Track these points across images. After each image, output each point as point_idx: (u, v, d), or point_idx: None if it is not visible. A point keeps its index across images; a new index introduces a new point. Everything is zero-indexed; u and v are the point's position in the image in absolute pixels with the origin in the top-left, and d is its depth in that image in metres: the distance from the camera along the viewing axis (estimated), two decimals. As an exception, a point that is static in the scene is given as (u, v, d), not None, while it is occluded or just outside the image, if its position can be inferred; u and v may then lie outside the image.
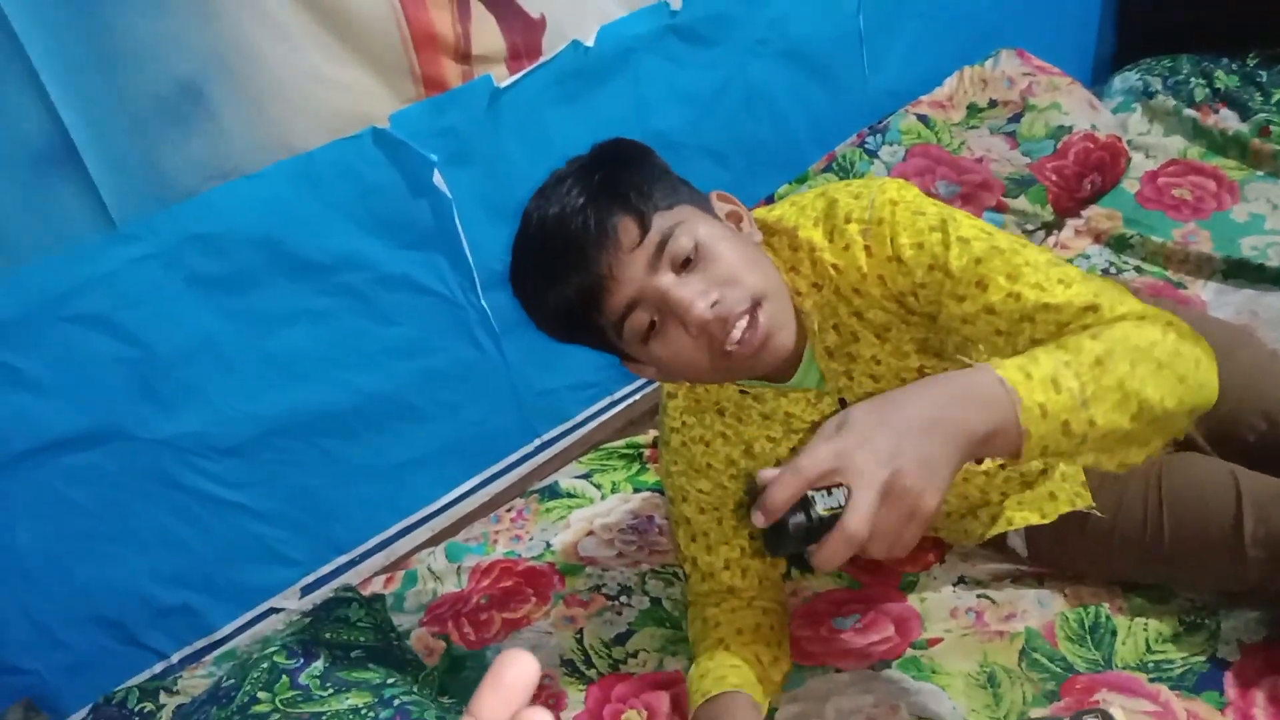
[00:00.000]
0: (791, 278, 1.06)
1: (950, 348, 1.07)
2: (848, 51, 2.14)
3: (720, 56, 1.90)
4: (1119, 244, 2.00)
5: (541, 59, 1.64)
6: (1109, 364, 0.82)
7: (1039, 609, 1.27)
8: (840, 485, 0.77)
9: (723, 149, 1.98)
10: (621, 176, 0.99)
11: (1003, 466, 1.18)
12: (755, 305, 0.98)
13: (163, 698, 1.41)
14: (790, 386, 1.12)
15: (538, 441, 1.90)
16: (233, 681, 1.28)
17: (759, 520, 0.77)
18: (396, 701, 1.22)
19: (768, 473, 0.78)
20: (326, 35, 1.39)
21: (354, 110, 1.46)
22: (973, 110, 2.25)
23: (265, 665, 1.29)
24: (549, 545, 1.61)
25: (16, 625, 1.45)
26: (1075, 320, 0.92)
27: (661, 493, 1.58)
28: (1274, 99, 2.23)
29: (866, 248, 1.01)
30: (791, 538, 0.77)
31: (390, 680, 1.30)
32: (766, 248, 1.07)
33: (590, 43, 1.69)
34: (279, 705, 1.22)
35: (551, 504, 1.71)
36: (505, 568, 1.58)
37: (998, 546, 1.32)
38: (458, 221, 1.62)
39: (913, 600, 1.34)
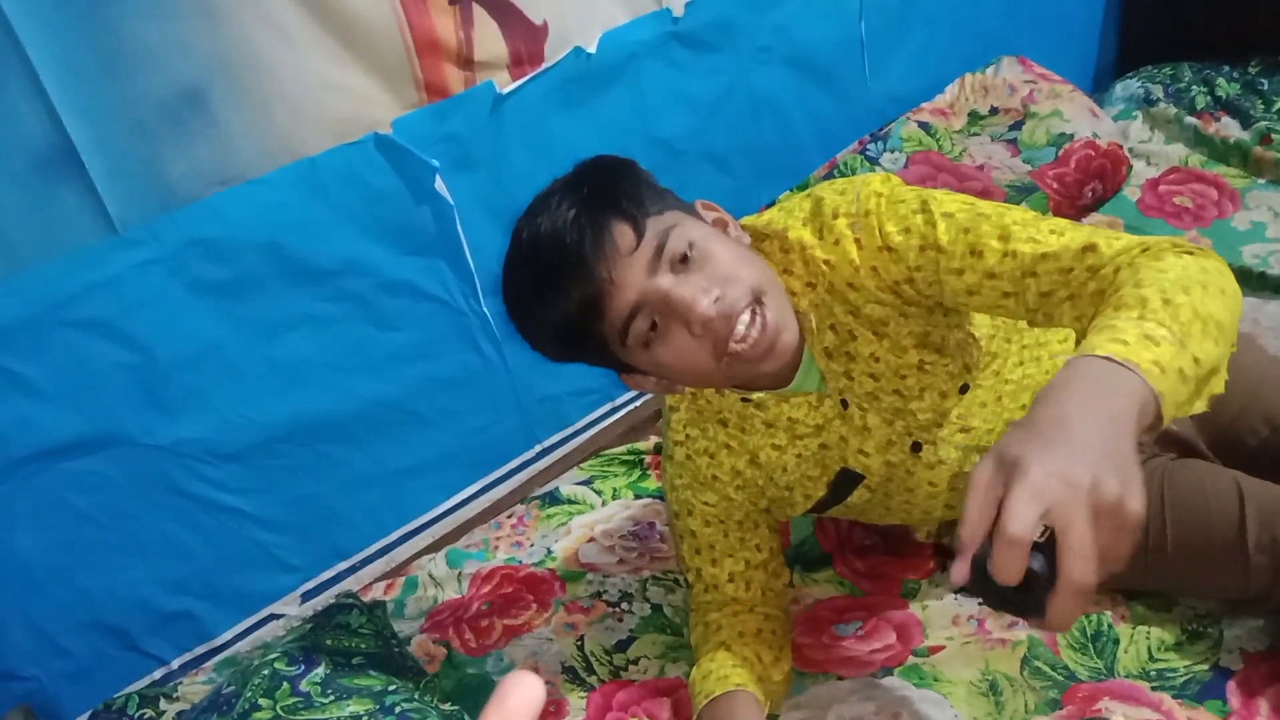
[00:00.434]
0: (786, 279, 1.06)
1: (951, 343, 1.07)
2: (850, 58, 2.14)
3: (723, 63, 1.91)
4: (1120, 251, 2.00)
5: (544, 65, 1.64)
6: (1174, 301, 0.80)
7: (1041, 617, 1.26)
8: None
9: (725, 155, 1.98)
10: (609, 187, 1.00)
11: None
12: (757, 300, 0.98)
13: (163, 704, 1.41)
14: (791, 391, 1.12)
15: (539, 448, 1.90)
16: (233, 688, 1.28)
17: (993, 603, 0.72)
18: (398, 709, 1.22)
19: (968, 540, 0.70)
20: (330, 41, 1.39)
21: (357, 116, 1.47)
22: (974, 117, 2.25)
23: (266, 672, 1.29)
24: (550, 552, 1.60)
25: (16, 631, 1.45)
26: (1076, 263, 0.92)
27: (662, 499, 1.57)
28: (1275, 107, 2.23)
29: (857, 240, 1.02)
30: (1028, 597, 0.69)
31: (391, 687, 1.30)
32: (757, 251, 1.08)
33: (593, 49, 1.69)
34: (280, 712, 1.22)
35: (552, 510, 1.71)
36: (506, 574, 1.57)
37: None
38: (460, 227, 1.62)
39: (914, 607, 1.34)
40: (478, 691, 1.37)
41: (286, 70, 1.37)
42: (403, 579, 1.62)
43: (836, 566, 1.45)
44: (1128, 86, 2.41)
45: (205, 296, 1.42)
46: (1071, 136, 2.17)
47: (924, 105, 2.24)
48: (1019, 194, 2.08)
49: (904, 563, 1.41)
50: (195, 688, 1.44)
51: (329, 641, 1.41)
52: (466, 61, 1.54)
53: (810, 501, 1.22)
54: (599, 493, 1.72)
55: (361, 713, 1.21)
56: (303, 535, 1.66)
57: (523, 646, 1.43)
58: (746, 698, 1.13)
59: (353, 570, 1.74)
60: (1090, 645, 1.22)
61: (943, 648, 1.26)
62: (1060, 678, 1.18)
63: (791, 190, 2.10)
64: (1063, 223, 0.97)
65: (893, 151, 2.13)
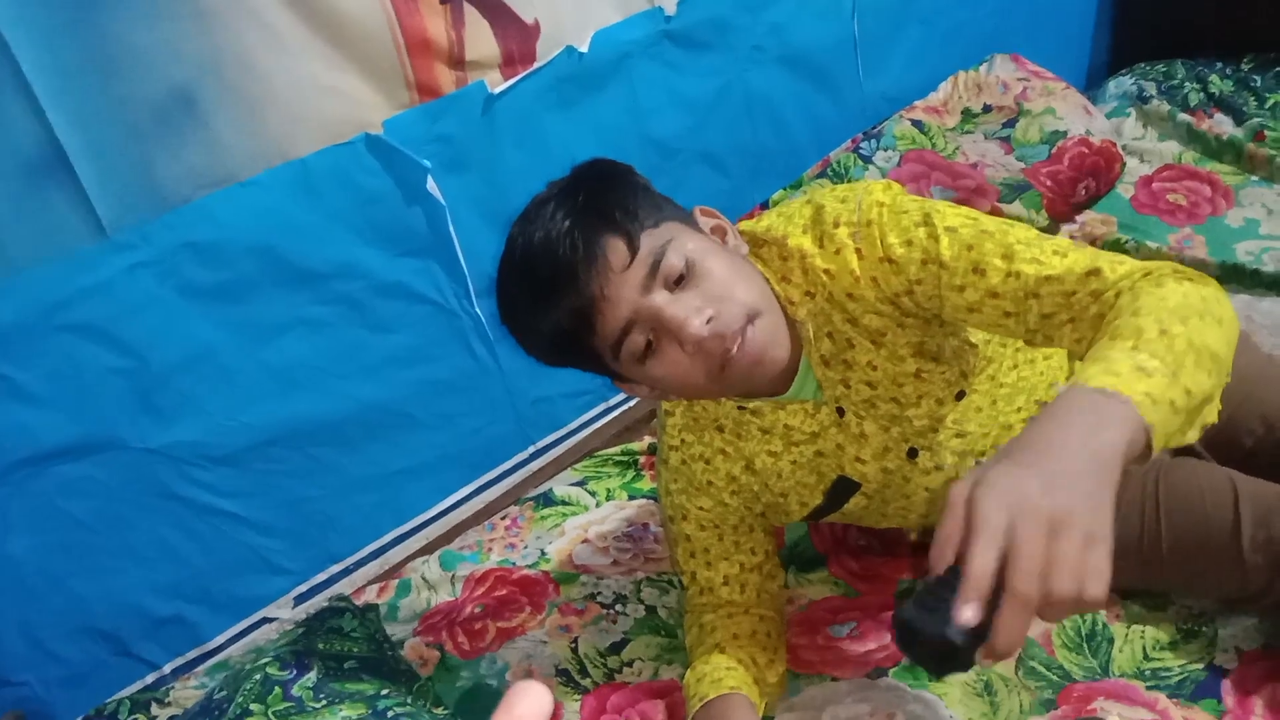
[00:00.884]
0: (784, 287, 1.05)
1: (948, 351, 1.07)
2: (843, 57, 2.14)
3: (716, 62, 1.90)
4: (1114, 249, 1.99)
5: (536, 65, 1.63)
6: (1170, 331, 0.80)
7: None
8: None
9: (719, 155, 1.98)
10: (605, 196, 0.98)
11: None
12: (750, 320, 0.97)
13: (154, 709, 1.40)
14: (787, 398, 1.12)
15: (532, 449, 1.90)
16: (225, 693, 1.28)
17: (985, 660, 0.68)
18: (390, 713, 1.22)
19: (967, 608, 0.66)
20: (320, 41, 1.39)
21: (348, 116, 1.46)
22: (967, 115, 2.25)
23: (258, 677, 1.29)
24: (543, 553, 1.60)
25: (9, 636, 1.44)
26: (1080, 287, 0.91)
27: (656, 500, 1.57)
28: (1268, 104, 2.23)
29: (858, 250, 1.01)
30: (958, 649, 0.66)
31: (384, 691, 1.30)
32: (755, 259, 1.07)
33: (585, 49, 1.68)
34: (271, 717, 1.21)
35: (546, 512, 1.70)
36: (499, 576, 1.57)
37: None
38: (452, 228, 1.61)
39: (909, 608, 1.34)
40: (470, 695, 1.37)
41: (277, 71, 1.37)
42: (396, 581, 1.61)
43: (831, 567, 1.44)
44: (1121, 84, 2.41)
45: (197, 300, 1.42)
46: (1065, 134, 2.17)
47: (917, 103, 2.24)
48: (1012, 192, 2.08)
49: (898, 563, 1.41)
50: (187, 692, 1.44)
51: (321, 645, 1.40)
52: (458, 61, 1.54)
53: (806, 509, 1.21)
54: (593, 494, 1.72)
55: (354, 717, 1.21)
56: (295, 538, 1.66)
57: (516, 649, 1.42)
58: (740, 700, 1.12)
59: (346, 573, 1.73)
60: (1085, 645, 1.22)
61: (938, 648, 1.26)
62: (1055, 678, 1.18)
63: (786, 188, 2.10)
64: (1065, 243, 0.96)
65: (886, 150, 2.13)
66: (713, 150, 1.96)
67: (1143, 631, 1.21)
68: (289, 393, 1.55)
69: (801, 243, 1.04)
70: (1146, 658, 1.18)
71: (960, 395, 1.10)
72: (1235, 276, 1.83)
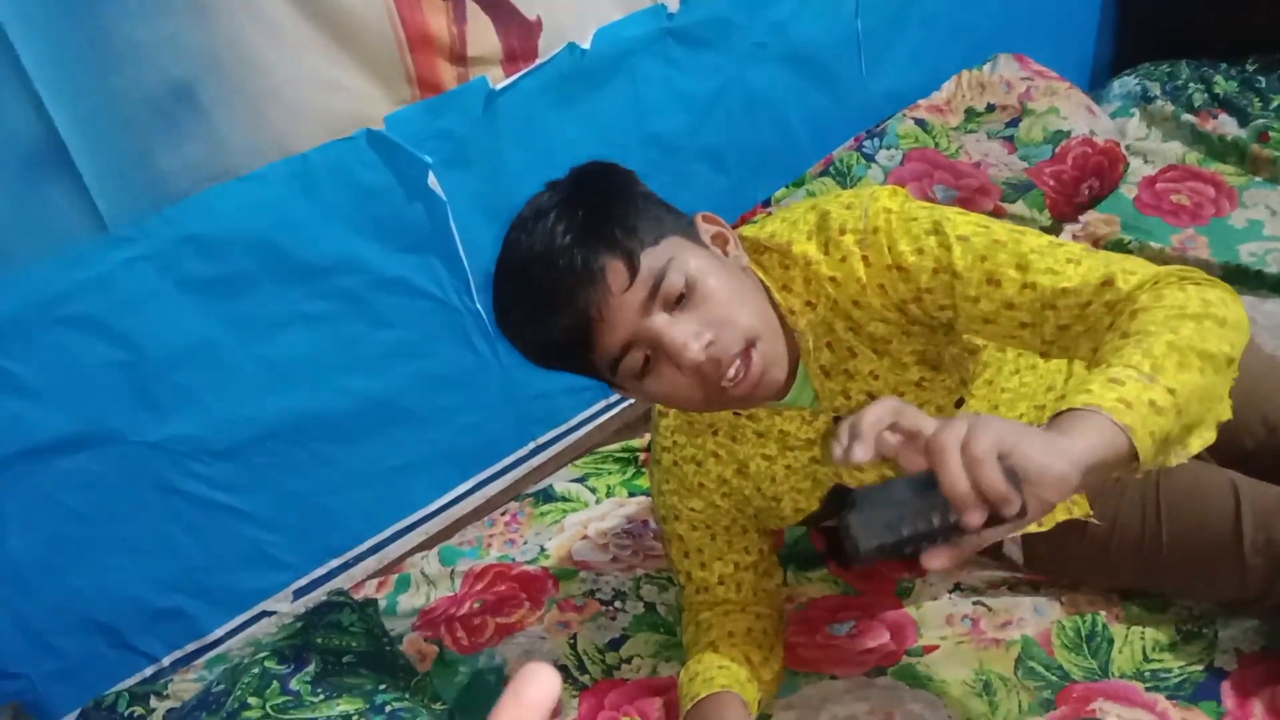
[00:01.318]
0: (784, 296, 1.04)
1: (948, 359, 1.07)
2: (846, 55, 2.14)
3: (718, 60, 1.90)
4: (1117, 250, 2.00)
5: (538, 61, 1.63)
6: (1150, 341, 0.81)
7: (1035, 617, 1.26)
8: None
9: (721, 152, 1.98)
10: (606, 211, 0.96)
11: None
12: (750, 345, 0.97)
13: (153, 702, 1.40)
14: (784, 405, 1.11)
15: (532, 445, 1.90)
16: (223, 687, 1.28)
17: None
18: (388, 708, 1.22)
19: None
20: (321, 37, 1.39)
21: (349, 112, 1.46)
22: (970, 114, 2.25)
23: (256, 670, 1.29)
24: (543, 549, 1.60)
25: (6, 629, 1.44)
26: (1095, 298, 0.91)
27: (654, 507, 1.57)
28: (1273, 105, 2.23)
29: (864, 258, 1.00)
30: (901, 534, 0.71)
31: (382, 686, 1.29)
32: (756, 267, 1.06)
33: (587, 45, 1.68)
34: (269, 711, 1.21)
35: (546, 508, 1.70)
36: (499, 572, 1.57)
37: (994, 554, 1.31)
38: (453, 224, 1.61)
39: (908, 607, 1.33)
40: (468, 690, 1.37)
41: (278, 66, 1.36)
42: (395, 576, 1.61)
43: (830, 565, 1.44)
44: (1125, 84, 2.40)
45: (196, 294, 1.42)
46: (1068, 134, 2.17)
47: (920, 102, 2.24)
48: (1015, 191, 2.07)
49: (898, 562, 1.40)
50: (185, 685, 1.44)
51: (319, 640, 1.40)
52: (460, 57, 1.54)
53: (801, 514, 1.21)
54: (593, 490, 1.72)
55: (352, 712, 1.21)
56: (295, 532, 1.66)
57: (515, 645, 1.42)
58: (731, 699, 1.12)
59: (345, 567, 1.73)
60: (1084, 645, 1.21)
61: (936, 647, 1.26)
62: (1054, 678, 1.18)
63: (788, 187, 2.09)
64: (1077, 249, 0.95)
65: (889, 148, 2.13)
66: (714, 148, 1.96)
67: (1142, 633, 1.20)
68: (288, 387, 1.55)
69: (806, 250, 1.03)
70: (1146, 659, 1.18)
71: (960, 403, 1.10)
72: (1238, 278, 1.83)
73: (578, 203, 0.97)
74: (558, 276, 0.94)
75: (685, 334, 0.94)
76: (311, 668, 1.31)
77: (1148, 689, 1.14)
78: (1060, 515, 1.19)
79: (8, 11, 1.16)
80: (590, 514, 1.67)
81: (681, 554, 1.26)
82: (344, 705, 1.21)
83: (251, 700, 1.23)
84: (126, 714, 1.38)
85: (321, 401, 1.59)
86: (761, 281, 1.04)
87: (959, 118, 2.24)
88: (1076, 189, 2.11)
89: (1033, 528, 1.21)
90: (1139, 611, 1.23)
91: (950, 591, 1.33)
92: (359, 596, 1.55)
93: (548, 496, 1.72)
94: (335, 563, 1.72)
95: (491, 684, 1.36)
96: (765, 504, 1.21)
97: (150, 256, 1.37)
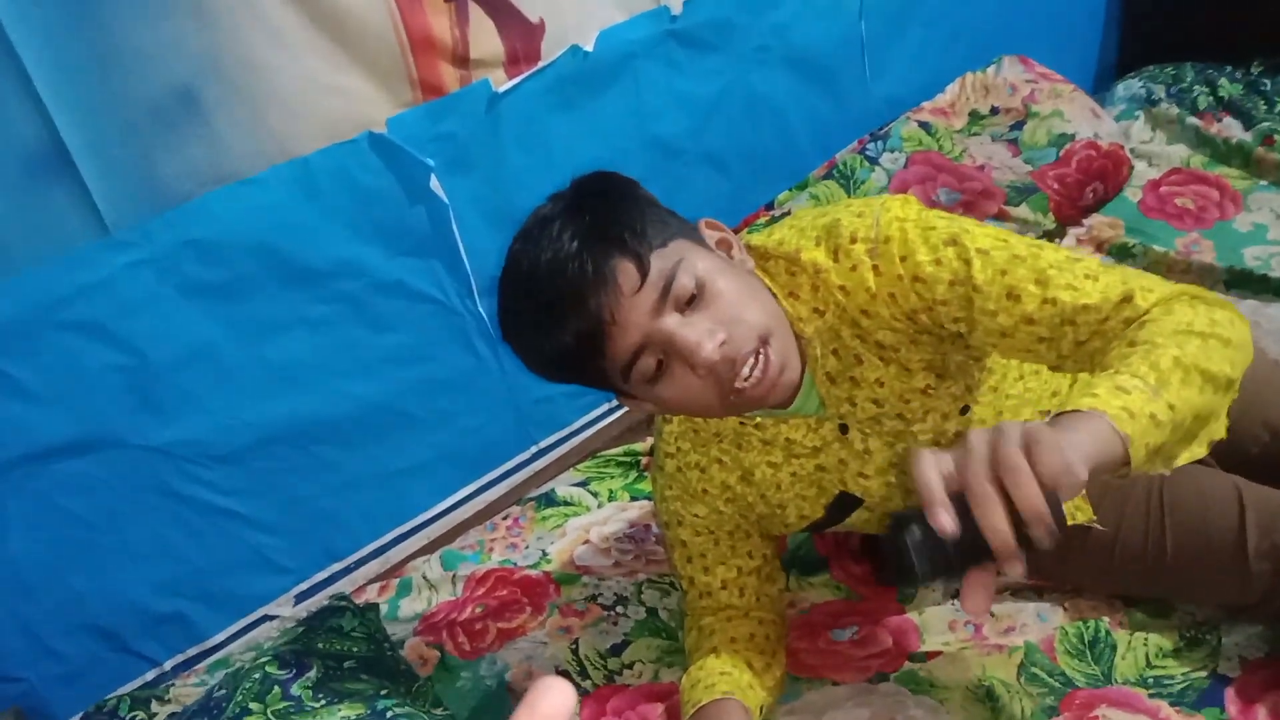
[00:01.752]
0: (791, 303, 1.04)
1: (952, 366, 1.06)
2: (849, 58, 2.13)
3: (721, 63, 1.90)
4: (1121, 253, 1.99)
5: (540, 64, 1.63)
6: (1157, 354, 0.82)
7: (1038, 623, 1.25)
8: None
9: (723, 155, 1.97)
10: (613, 215, 0.96)
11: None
12: (763, 341, 0.96)
13: (154, 706, 1.40)
14: (790, 413, 1.10)
15: (534, 449, 1.89)
16: (224, 692, 1.27)
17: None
18: (389, 714, 1.22)
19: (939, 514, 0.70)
20: (323, 40, 1.38)
21: (350, 115, 1.45)
22: (975, 117, 2.24)
23: (257, 675, 1.29)
24: (545, 554, 1.59)
25: (8, 633, 1.44)
26: (1114, 314, 0.91)
27: (656, 512, 1.56)
28: (1278, 108, 2.22)
29: (874, 267, 0.99)
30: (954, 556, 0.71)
31: (383, 692, 1.29)
32: (762, 273, 1.05)
33: (590, 48, 1.68)
34: (271, 716, 1.21)
35: (548, 512, 1.70)
36: (501, 576, 1.56)
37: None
38: (455, 227, 1.61)
39: (911, 613, 1.33)
40: (469, 695, 1.36)
41: (279, 69, 1.36)
42: (397, 580, 1.61)
43: (833, 571, 1.44)
44: (1129, 86, 2.40)
45: (198, 298, 1.41)
46: (1073, 137, 2.16)
47: (924, 105, 2.23)
48: (1019, 194, 2.07)
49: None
50: (187, 690, 1.44)
51: (321, 645, 1.40)
52: (462, 60, 1.53)
53: (806, 521, 1.20)
54: (595, 494, 1.71)
55: (353, 717, 1.20)
56: (296, 537, 1.66)
57: (517, 650, 1.42)
58: (733, 706, 1.12)
59: (346, 571, 1.73)
60: (1088, 651, 1.21)
61: (939, 653, 1.25)
62: (1057, 684, 1.18)
63: (791, 190, 2.09)
64: (1094, 264, 0.96)
65: (893, 151, 2.12)
66: (716, 151, 1.96)
67: (1146, 639, 1.20)
68: (290, 391, 1.55)
69: (815, 257, 1.02)
70: (1149, 665, 1.17)
71: (965, 410, 1.09)
72: (1243, 282, 1.82)
73: (582, 209, 0.97)
74: (567, 282, 0.93)
75: (699, 333, 0.94)
76: (313, 673, 1.31)
77: (1151, 695, 1.14)
78: (1064, 521, 1.19)
79: (10, 14, 1.16)
80: (592, 518, 1.66)
81: (684, 559, 1.26)
82: (345, 711, 1.21)
83: (253, 705, 1.23)
84: (128, 718, 1.38)
85: (323, 405, 1.59)
86: (768, 288, 1.04)
87: (963, 120, 2.24)
88: (1081, 192, 2.10)
89: None
90: (1142, 618, 1.22)
91: (953, 597, 1.33)
92: (360, 601, 1.55)
93: (550, 500, 1.72)
94: (336, 567, 1.72)
95: (494, 691, 1.36)
96: (769, 511, 1.20)
97: (152, 260, 1.36)
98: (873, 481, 1.14)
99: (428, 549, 1.73)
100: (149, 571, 1.53)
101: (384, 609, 1.54)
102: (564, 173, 1.04)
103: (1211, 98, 2.29)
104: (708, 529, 1.23)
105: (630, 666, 1.36)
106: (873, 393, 1.06)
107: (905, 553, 0.72)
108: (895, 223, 0.99)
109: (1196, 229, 2.02)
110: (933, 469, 0.71)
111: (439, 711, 1.31)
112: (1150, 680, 1.15)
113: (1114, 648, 1.20)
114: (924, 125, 2.18)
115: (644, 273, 0.94)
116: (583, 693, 1.33)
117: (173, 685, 1.47)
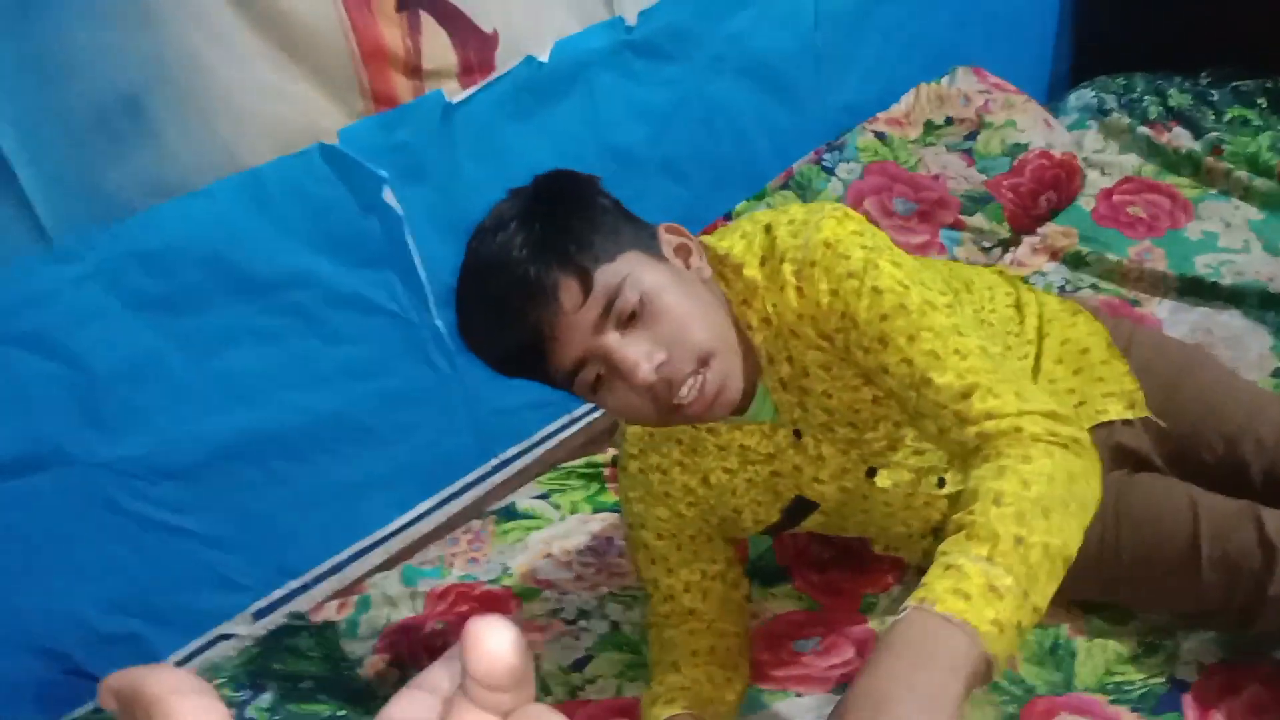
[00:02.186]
0: (743, 310, 1.04)
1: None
2: (805, 68, 2.14)
3: (677, 73, 1.89)
4: (1075, 261, 2.01)
5: (494, 74, 1.61)
6: (1027, 539, 0.81)
7: (999, 630, 1.25)
8: None
9: (681, 165, 1.97)
10: (563, 226, 0.95)
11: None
12: (702, 363, 0.96)
13: (104, 731, 1.37)
14: (744, 420, 1.10)
15: (495, 461, 1.87)
16: (175, 715, 1.24)
17: None
18: (345, 734, 1.19)
19: None
20: (272, 48, 1.36)
21: (301, 125, 1.43)
22: (929, 128, 2.26)
23: (209, 698, 1.26)
24: (507, 568, 1.58)
25: (-50, 657, 1.40)
26: (950, 403, 0.92)
27: (620, 511, 1.55)
28: (1226, 118, 2.26)
29: (799, 289, 1.00)
30: None
31: (341, 712, 1.27)
32: (719, 279, 1.05)
33: (544, 58, 1.67)
34: (223, 740, 1.18)
35: (509, 525, 1.68)
36: (461, 592, 1.54)
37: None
38: (409, 239, 1.59)
39: (873, 623, 1.33)
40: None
41: (228, 78, 1.34)
42: (356, 597, 1.58)
43: (795, 580, 1.43)
44: (1081, 96, 2.43)
45: (144, 311, 1.38)
46: (1026, 146, 2.18)
47: (880, 115, 2.24)
48: (974, 204, 2.08)
49: (862, 578, 1.40)
50: (137, 714, 1.40)
51: (277, 665, 1.38)
52: (415, 70, 1.52)
53: (761, 525, 1.21)
54: (557, 507, 1.70)
55: (308, 739, 1.18)
56: (252, 554, 1.62)
57: (476, 666, 1.40)
58: None
59: (304, 588, 1.69)
60: (1048, 658, 1.21)
61: (901, 663, 1.25)
62: (1019, 692, 1.18)
63: (749, 199, 2.09)
64: (972, 345, 0.95)
65: (849, 162, 2.13)
66: (674, 161, 1.95)
67: (1105, 645, 1.20)
68: (241, 405, 1.51)
69: (755, 275, 1.03)
70: (1109, 671, 1.18)
71: None
72: (1194, 289, 1.85)
73: (535, 215, 0.96)
74: (511, 292, 0.93)
75: (637, 354, 0.94)
76: (269, 695, 1.28)
77: (1111, 701, 1.14)
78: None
79: (-54, 21, 1.13)
80: (554, 531, 1.65)
81: (648, 561, 1.25)
82: (300, 732, 1.19)
83: (204, 729, 1.20)
84: (75, 744, 1.35)
85: (276, 419, 1.56)
86: (722, 301, 1.03)
87: (918, 131, 2.25)
88: (1035, 201, 2.12)
89: None
90: (1101, 624, 1.23)
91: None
92: (319, 619, 1.53)
93: (510, 514, 1.70)
94: (295, 584, 1.69)
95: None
96: (727, 514, 1.20)
97: (97, 273, 1.33)
98: (827, 486, 1.14)
99: (387, 564, 1.70)
100: (99, 591, 1.48)
101: (343, 626, 1.52)
102: (520, 183, 1.03)
103: (1161, 107, 2.32)
104: (671, 533, 1.22)
105: (593, 682, 1.35)
106: (822, 402, 1.07)
107: None
108: (821, 247, 0.98)
109: (1149, 237, 2.04)
110: None
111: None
112: (1110, 686, 1.16)
113: (1074, 654, 1.20)
114: (880, 135, 2.19)
115: (587, 290, 0.93)
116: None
117: (123, 708, 1.43)
